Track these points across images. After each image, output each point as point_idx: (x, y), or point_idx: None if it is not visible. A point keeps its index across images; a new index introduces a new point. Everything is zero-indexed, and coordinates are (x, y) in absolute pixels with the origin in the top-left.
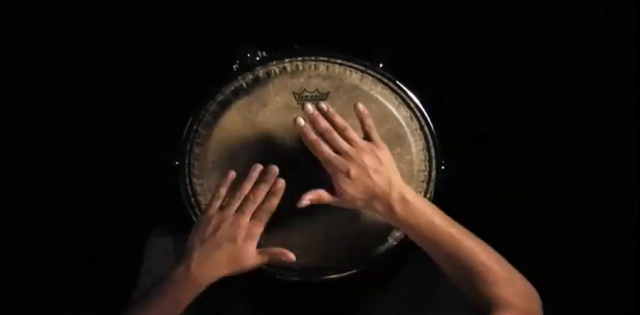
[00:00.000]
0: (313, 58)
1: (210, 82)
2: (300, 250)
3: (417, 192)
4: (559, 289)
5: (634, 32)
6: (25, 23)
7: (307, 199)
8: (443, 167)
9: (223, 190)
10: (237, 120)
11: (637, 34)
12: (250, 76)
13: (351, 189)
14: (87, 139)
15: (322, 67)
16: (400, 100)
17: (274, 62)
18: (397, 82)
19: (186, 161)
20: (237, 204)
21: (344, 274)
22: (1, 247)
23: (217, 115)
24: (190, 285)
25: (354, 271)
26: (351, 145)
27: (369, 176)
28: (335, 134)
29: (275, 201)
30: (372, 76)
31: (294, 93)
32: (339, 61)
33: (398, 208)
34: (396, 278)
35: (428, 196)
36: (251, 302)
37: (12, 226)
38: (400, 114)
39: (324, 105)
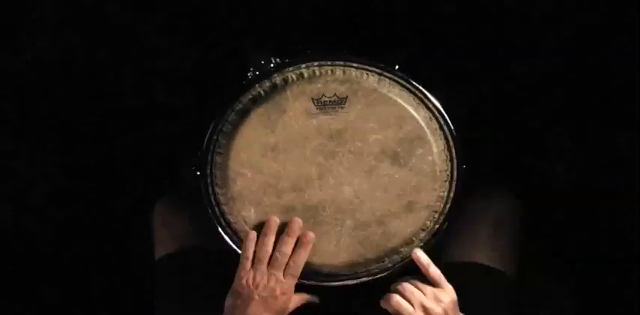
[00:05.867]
0: (329, 62)
1: (225, 92)
2: (323, 254)
3: (440, 192)
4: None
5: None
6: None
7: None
8: (464, 166)
9: (250, 251)
10: (258, 128)
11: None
12: (267, 84)
13: None
14: (102, 155)
15: (339, 71)
16: (419, 101)
17: (291, 68)
18: (414, 83)
19: (208, 171)
20: (266, 260)
21: (359, 281)
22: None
23: (237, 124)
24: None
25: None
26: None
27: None
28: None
29: (304, 254)
30: (389, 78)
31: (312, 98)
32: (354, 64)
33: None
34: None
35: (451, 195)
36: None
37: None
38: (419, 115)
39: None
